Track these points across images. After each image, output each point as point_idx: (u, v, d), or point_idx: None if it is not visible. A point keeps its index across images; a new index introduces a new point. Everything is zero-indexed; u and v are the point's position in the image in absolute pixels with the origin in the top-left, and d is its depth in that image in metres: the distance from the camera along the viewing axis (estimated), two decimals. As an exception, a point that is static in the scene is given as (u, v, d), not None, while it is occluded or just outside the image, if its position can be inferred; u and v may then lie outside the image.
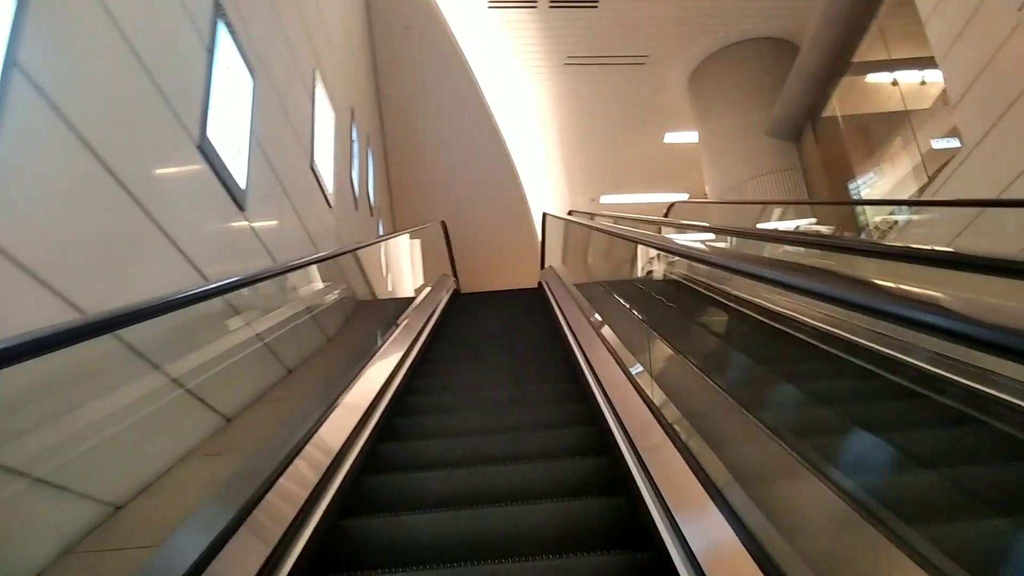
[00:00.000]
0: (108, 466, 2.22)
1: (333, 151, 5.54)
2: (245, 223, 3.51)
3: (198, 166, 3.02)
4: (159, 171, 2.70)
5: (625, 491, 2.35)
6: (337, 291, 5.09)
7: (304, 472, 2.39)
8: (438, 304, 6.20)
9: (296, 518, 2.08)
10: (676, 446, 2.11)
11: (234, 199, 3.35)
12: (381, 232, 10.44)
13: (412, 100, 11.70)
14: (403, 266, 8.36)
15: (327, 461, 2.65)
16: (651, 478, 2.09)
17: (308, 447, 2.63)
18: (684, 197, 15.40)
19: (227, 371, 3.05)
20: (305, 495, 2.23)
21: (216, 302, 2.93)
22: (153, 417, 2.50)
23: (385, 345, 4.27)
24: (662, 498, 1.96)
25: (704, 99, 11.80)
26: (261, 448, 2.77)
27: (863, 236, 9.06)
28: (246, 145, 3.55)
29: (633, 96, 12.63)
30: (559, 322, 4.98)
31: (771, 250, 6.04)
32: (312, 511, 2.22)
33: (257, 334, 3.52)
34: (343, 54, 7.03)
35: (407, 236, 9.20)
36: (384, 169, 12.39)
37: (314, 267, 4.59)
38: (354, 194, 6.88)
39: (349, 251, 4.25)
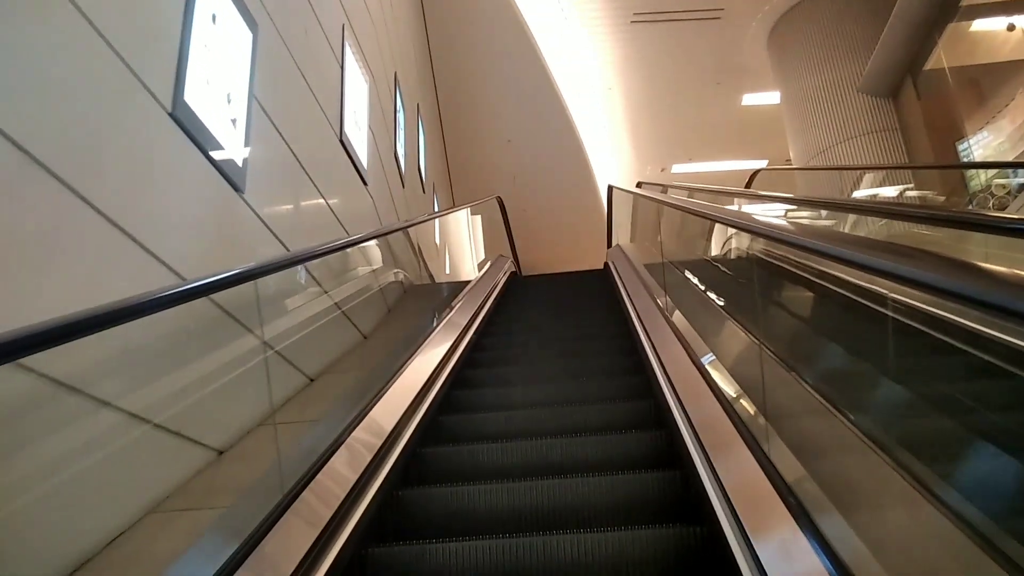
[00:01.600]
0: (26, 543, 1.66)
1: (368, 121, 4.91)
2: (245, 207, 2.91)
3: (172, 138, 2.42)
4: (108, 146, 2.09)
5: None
6: (372, 283, 4.50)
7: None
8: (491, 291, 5.55)
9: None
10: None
11: (227, 178, 2.75)
12: (436, 211, 9.86)
13: (467, 66, 11.01)
14: (456, 248, 7.75)
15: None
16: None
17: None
18: (763, 164, 14.28)
19: (218, 393, 2.47)
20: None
21: (200, 305, 2.35)
22: (100, 467, 1.93)
23: (422, 348, 3.64)
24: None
25: (787, 55, 10.70)
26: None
27: (973, 204, 8.03)
28: (243, 113, 2.94)
29: (707, 55, 11.60)
30: (631, 319, 4.26)
31: (875, 227, 5.20)
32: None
33: (264, 342, 2.93)
34: (381, 11, 6.37)
35: (463, 213, 8.58)
36: (440, 142, 11.77)
37: (347, 253, 4.00)
38: (399, 169, 6.25)
39: (359, 240, 3.61)
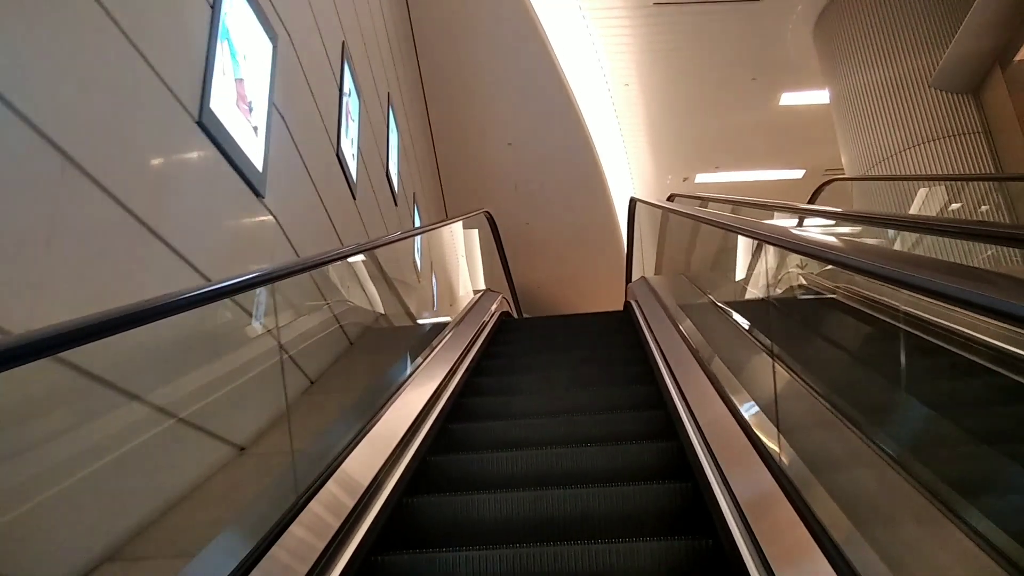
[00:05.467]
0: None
1: (275, 101, 3.22)
2: None
3: None
4: None
5: None
6: (273, 347, 2.81)
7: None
8: (466, 351, 3.85)
9: None
10: None
11: None
12: (418, 227, 8.21)
13: (460, 54, 9.36)
14: (442, 277, 6.08)
15: None
16: None
17: None
18: (799, 174, 12.59)
19: None
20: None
21: None
22: None
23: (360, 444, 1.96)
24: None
25: (839, 45, 9.01)
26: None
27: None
28: None
29: (741, 46, 9.93)
30: (677, 411, 2.57)
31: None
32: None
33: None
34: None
35: (452, 230, 6.93)
36: (428, 144, 10.11)
37: (223, 305, 2.32)
38: (347, 174, 4.58)
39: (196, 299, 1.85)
